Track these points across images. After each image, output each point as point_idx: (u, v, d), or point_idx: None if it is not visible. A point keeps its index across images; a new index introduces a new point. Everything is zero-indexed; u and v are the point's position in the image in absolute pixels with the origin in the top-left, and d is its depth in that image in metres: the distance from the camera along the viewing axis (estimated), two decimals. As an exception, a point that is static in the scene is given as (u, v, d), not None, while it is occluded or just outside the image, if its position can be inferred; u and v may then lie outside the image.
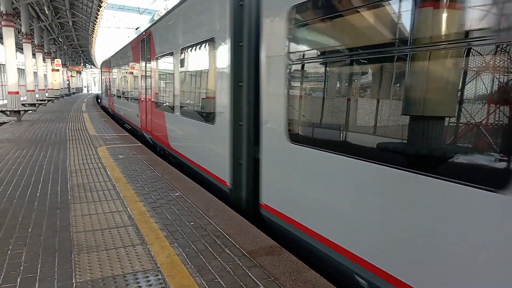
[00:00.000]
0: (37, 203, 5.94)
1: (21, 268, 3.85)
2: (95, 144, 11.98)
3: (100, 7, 30.04)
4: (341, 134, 3.85)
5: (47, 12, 31.66)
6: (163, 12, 12.16)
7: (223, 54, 6.40)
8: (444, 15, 2.83)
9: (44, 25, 35.31)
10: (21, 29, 26.82)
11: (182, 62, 8.89)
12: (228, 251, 4.29)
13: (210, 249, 4.33)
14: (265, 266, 3.93)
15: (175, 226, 5.05)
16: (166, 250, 4.28)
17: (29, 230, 4.84)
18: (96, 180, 7.44)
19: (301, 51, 4.47)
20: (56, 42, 45.51)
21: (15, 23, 21.53)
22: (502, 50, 2.39)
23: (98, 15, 34.22)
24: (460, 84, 2.76)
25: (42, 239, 4.57)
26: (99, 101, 44.97)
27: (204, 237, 4.68)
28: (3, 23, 19.56)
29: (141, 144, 12.20)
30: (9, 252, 4.22)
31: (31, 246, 4.38)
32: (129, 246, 4.37)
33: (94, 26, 40.19)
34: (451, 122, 2.83)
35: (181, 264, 3.96)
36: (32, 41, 29.38)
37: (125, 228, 4.94)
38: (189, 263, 3.97)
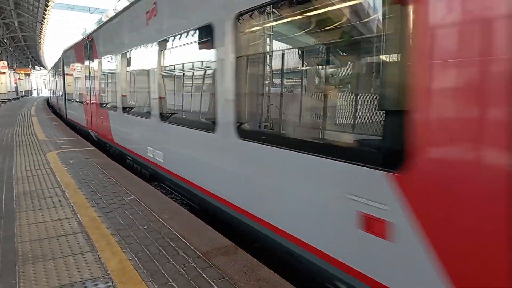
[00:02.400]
0: (-22, 214, 5.59)
1: (-41, 283, 3.61)
2: (44, 149, 11.46)
3: (47, 6, 28.79)
4: None
5: (-11, 12, 29.99)
6: None
7: None
8: None
9: (-14, 26, 33.41)
10: (-40, 30, 25.24)
11: None
12: (182, 253, 4.22)
13: (164, 252, 4.24)
14: (219, 266, 3.90)
15: (128, 230, 4.91)
16: (118, 256, 4.15)
17: (-31, 243, 4.55)
18: (44, 186, 7.11)
19: None
20: (1, 44, 43.18)
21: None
22: None
23: (45, 15, 32.78)
24: None
25: (-17, 252, 4.31)
26: (50, 105, 41.37)
27: (158, 241, 4.58)
28: None
29: (94, 148, 11.80)
30: None
31: (-30, 259, 4.12)
32: (78, 254, 4.20)
33: (41, 27, 38.48)
34: None
35: (133, 269, 3.85)
36: (-27, 43, 27.71)
37: (74, 236, 4.74)
38: (142, 268, 3.87)
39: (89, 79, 13.59)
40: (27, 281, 3.62)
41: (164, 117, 7.21)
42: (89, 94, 13.77)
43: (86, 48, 14.05)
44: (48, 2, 27.15)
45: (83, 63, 14.83)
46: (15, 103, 46.46)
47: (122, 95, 9.94)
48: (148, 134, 8.10)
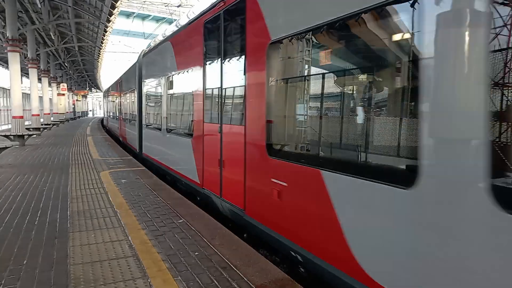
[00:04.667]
0: (34, 232, 5.66)
1: (12, 306, 3.56)
2: (98, 168, 11.75)
3: (106, 32, 30.39)
4: None
5: (53, 37, 32.05)
6: None
7: None
8: None
9: (50, 50, 35.72)
10: (27, 54, 27.06)
11: None
12: (236, 285, 3.97)
13: (216, 283, 4.02)
14: (276, 302, 3.62)
15: (179, 256, 4.75)
16: (169, 285, 3.97)
17: (24, 262, 4.55)
18: (97, 206, 7.17)
19: None
20: (62, 67, 46.05)
21: (21, 48, 21.70)
22: None
23: (103, 40, 34.61)
24: None
25: (37, 272, 4.28)
26: (104, 126, 43.11)
27: (209, 269, 4.37)
28: (9, 48, 19.66)
29: (144, 168, 11.96)
30: (1, 287, 3.93)
31: (25, 280, 4.09)
32: (129, 280, 4.07)
33: (99, 51, 40.66)
34: None
35: (185, 300, 3.66)
36: (38, 66, 29.66)
37: (126, 260, 4.64)
38: (194, 300, 3.67)
39: (223, 95, 6.84)
40: (78, 307, 3.51)
41: None
42: (217, 122, 6.97)
43: (214, 29, 7.20)
44: (107, 28, 28.67)
45: (199, 62, 7.82)
46: (72, 123, 49.05)
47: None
48: None
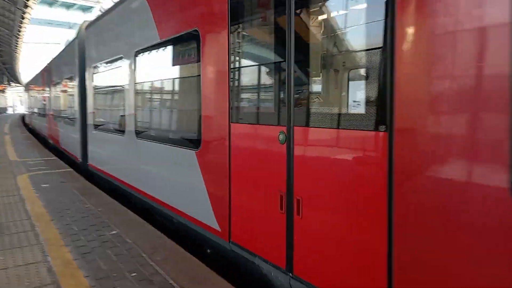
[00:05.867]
0: None
1: None
2: (15, 171, 10.27)
3: (23, 18, 27.55)
4: None
5: (-39, 25, 28.53)
6: None
7: None
8: None
9: (-42, 40, 31.85)
10: None
11: None
12: (184, 315, 3.24)
13: (161, 314, 3.26)
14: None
15: (112, 280, 3.89)
16: (99, 322, 3.14)
17: None
18: (10, 219, 6.00)
19: None
20: (-26, 59, 41.48)
21: None
22: None
23: (21, 29, 31.47)
24: None
25: None
26: (25, 123, 39.10)
27: (151, 295, 3.58)
28: None
29: (71, 170, 10.67)
30: None
31: None
32: (45, 320, 3.18)
33: (17, 41, 37.05)
34: None
35: None
36: None
37: (43, 290, 3.71)
38: None
39: (293, 73, 3.37)
40: None
41: None
42: (273, 122, 3.59)
43: None
44: (24, 14, 25.94)
45: (218, 17, 4.32)
46: (-12, 120, 44.52)
47: None
48: None
